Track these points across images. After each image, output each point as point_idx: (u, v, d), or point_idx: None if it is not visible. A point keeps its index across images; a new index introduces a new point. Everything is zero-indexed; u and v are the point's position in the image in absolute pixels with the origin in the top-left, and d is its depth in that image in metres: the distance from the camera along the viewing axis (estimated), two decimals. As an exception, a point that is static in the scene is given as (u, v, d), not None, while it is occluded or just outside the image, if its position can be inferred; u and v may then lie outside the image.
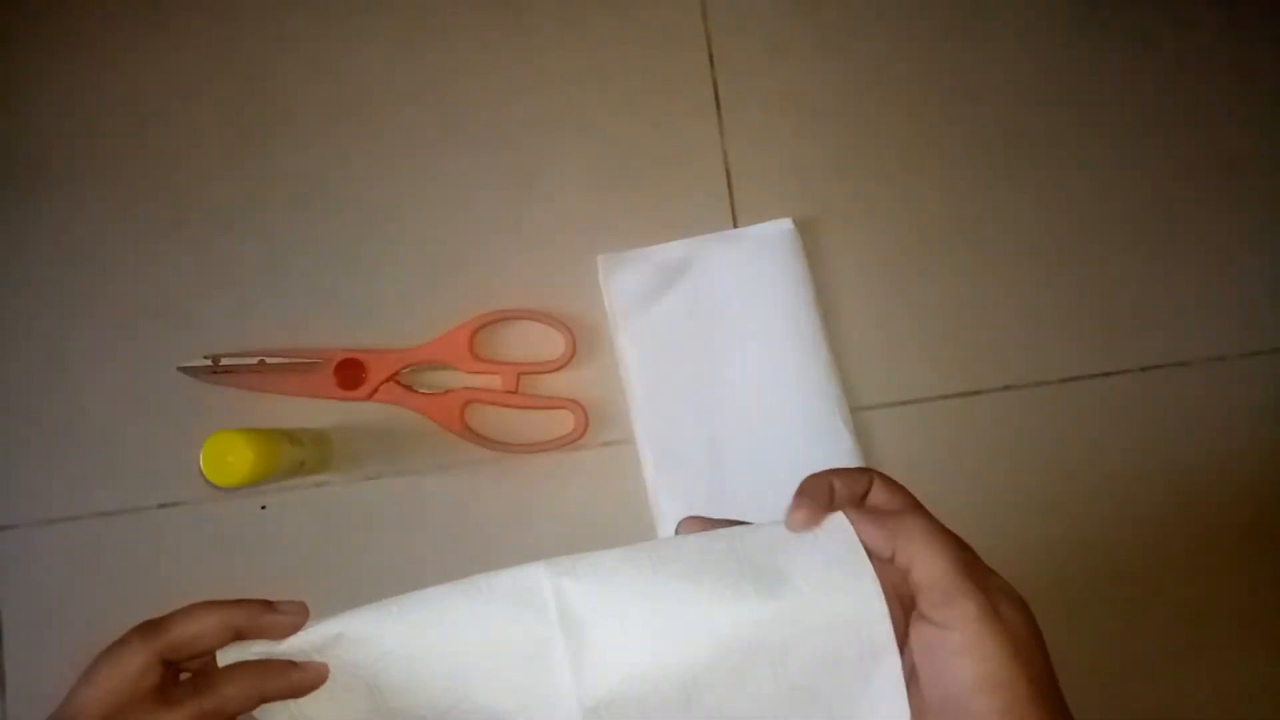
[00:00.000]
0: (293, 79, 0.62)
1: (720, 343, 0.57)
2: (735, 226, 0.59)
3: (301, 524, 0.57)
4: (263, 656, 0.33)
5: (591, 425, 0.57)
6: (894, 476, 0.56)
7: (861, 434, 0.56)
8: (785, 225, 0.58)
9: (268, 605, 0.34)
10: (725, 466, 0.56)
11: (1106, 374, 0.57)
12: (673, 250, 0.58)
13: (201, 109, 0.62)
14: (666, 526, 0.55)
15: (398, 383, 0.57)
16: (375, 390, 0.56)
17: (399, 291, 0.59)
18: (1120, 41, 0.60)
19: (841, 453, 0.55)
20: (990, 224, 0.59)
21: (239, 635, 0.33)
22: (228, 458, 0.47)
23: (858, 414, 0.57)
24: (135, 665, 0.32)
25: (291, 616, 0.34)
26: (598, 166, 0.60)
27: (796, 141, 0.60)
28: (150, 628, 0.33)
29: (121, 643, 0.32)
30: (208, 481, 0.48)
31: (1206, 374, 0.56)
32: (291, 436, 0.53)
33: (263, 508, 0.58)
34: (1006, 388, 0.57)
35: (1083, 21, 0.61)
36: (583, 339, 0.58)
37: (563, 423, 0.57)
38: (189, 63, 0.63)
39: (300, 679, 0.34)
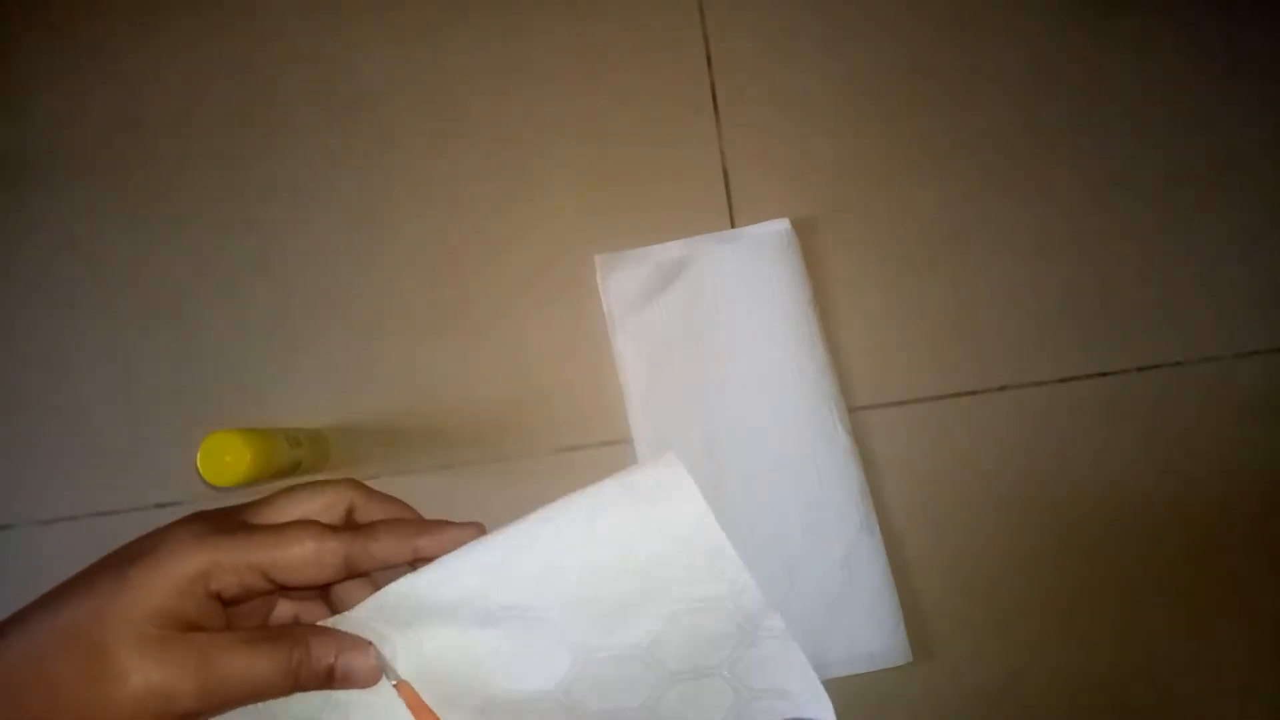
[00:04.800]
0: (291, 80, 0.62)
1: (717, 343, 0.57)
2: (733, 226, 0.59)
3: (299, 524, 0.57)
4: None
5: (590, 425, 0.57)
6: (890, 476, 0.56)
7: (858, 434, 0.56)
8: (783, 225, 0.58)
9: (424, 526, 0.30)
10: (723, 466, 0.56)
11: (1103, 374, 0.57)
12: (670, 250, 0.59)
13: (200, 110, 0.62)
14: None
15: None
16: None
17: (397, 291, 0.59)
18: (1118, 43, 0.60)
19: (838, 453, 0.55)
20: (987, 224, 0.59)
21: (351, 569, 0.29)
22: (225, 458, 0.47)
23: (854, 414, 0.57)
24: (204, 574, 0.27)
25: (437, 539, 0.30)
26: (596, 167, 0.60)
27: (794, 141, 0.60)
28: (245, 537, 0.28)
29: (198, 541, 0.27)
30: (205, 482, 0.47)
31: (1202, 374, 0.57)
32: (289, 437, 0.53)
33: (260, 508, 0.57)
34: (1003, 388, 0.57)
35: (1080, 22, 0.61)
36: (580, 339, 0.58)
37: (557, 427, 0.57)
38: (188, 64, 0.63)
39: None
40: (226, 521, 0.29)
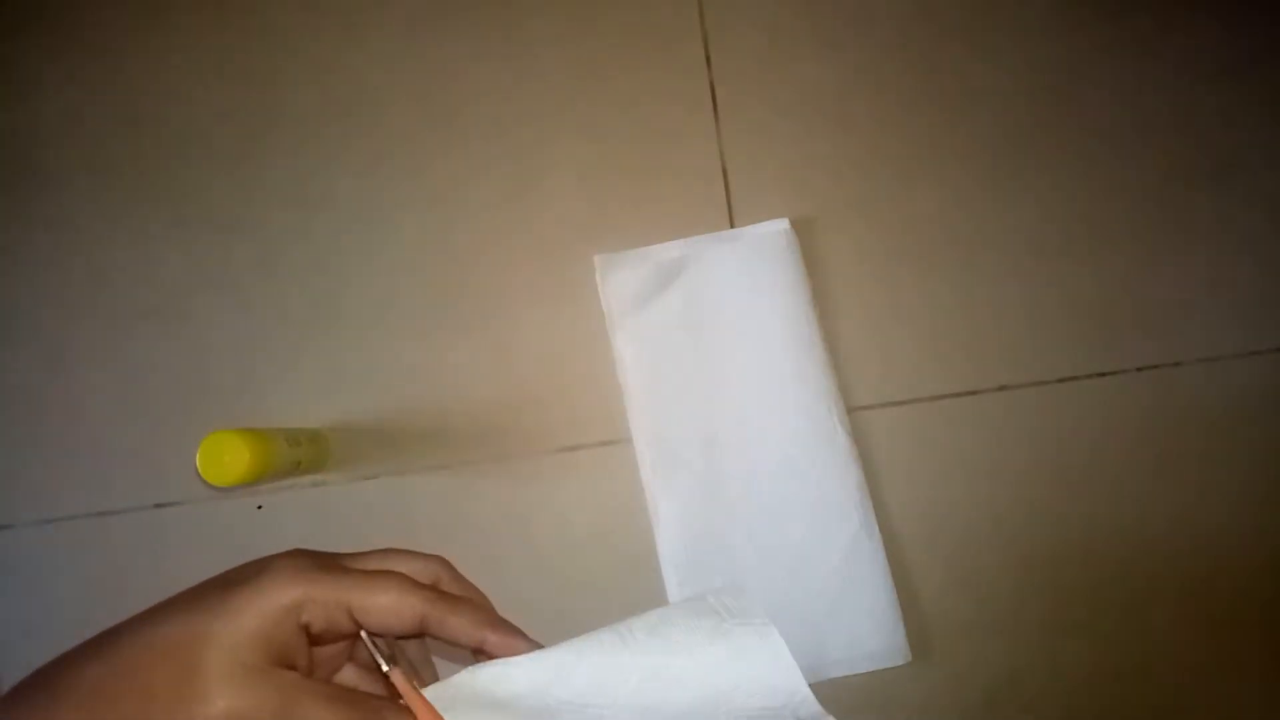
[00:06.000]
0: (290, 79, 0.62)
1: (717, 342, 0.57)
2: (732, 226, 0.59)
3: (298, 524, 0.57)
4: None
5: (590, 425, 0.57)
6: (890, 476, 0.56)
7: (858, 434, 0.56)
8: (782, 225, 0.58)
9: (482, 616, 0.31)
10: (722, 466, 0.56)
11: (1102, 374, 0.57)
12: (670, 250, 0.59)
13: (200, 110, 0.62)
14: (663, 525, 0.56)
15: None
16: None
17: (397, 291, 0.60)
18: (1118, 43, 0.60)
19: (837, 452, 0.55)
20: (986, 224, 0.59)
21: (424, 628, 0.31)
22: (224, 457, 0.47)
23: (854, 414, 0.57)
24: (299, 605, 0.29)
25: (505, 639, 0.31)
26: (595, 166, 0.60)
27: (793, 141, 0.60)
28: (339, 575, 0.30)
29: (297, 574, 0.29)
30: (204, 481, 0.47)
31: (1201, 374, 0.57)
32: (288, 436, 0.53)
33: (259, 508, 0.58)
34: (1002, 388, 0.57)
35: (1080, 23, 0.61)
36: (580, 339, 0.58)
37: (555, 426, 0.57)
38: (187, 63, 0.63)
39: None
40: (324, 560, 0.31)
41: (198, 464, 0.47)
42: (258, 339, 0.59)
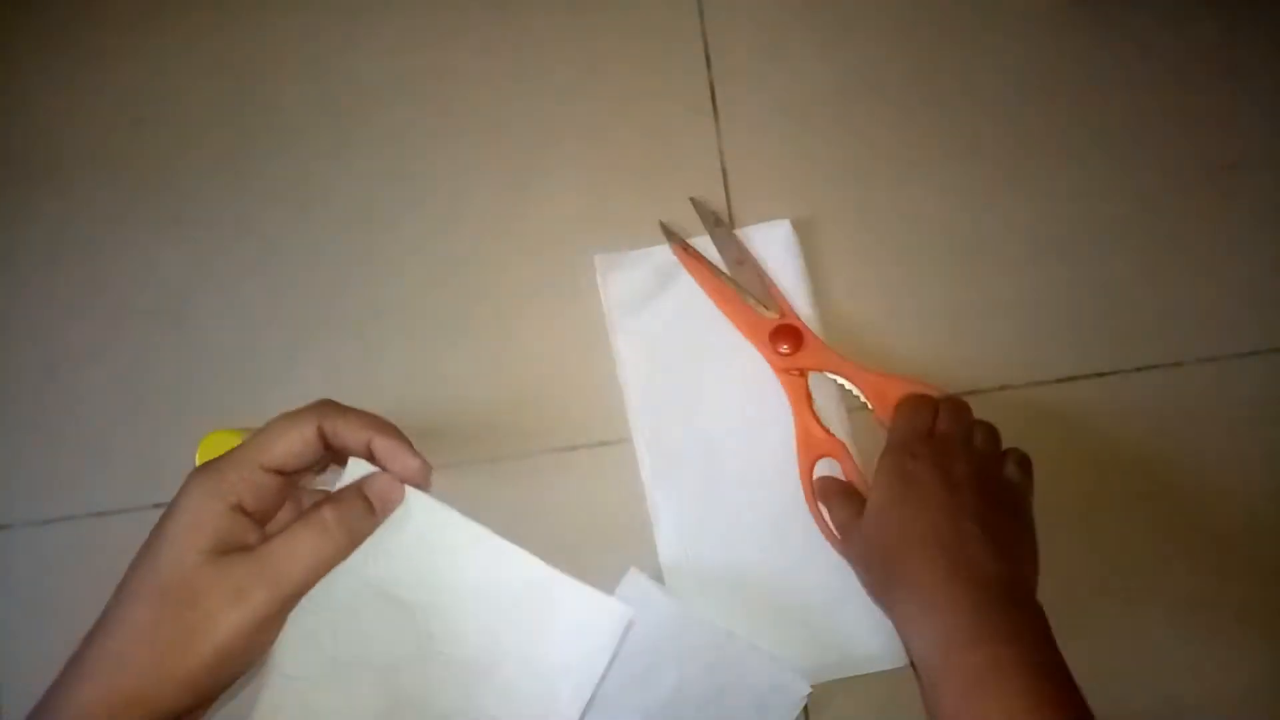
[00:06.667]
0: (289, 78, 0.62)
1: (717, 343, 0.57)
2: (732, 227, 0.59)
3: (298, 524, 0.57)
4: None
5: (589, 425, 0.57)
6: (890, 476, 0.56)
7: (858, 434, 0.56)
8: (783, 226, 0.58)
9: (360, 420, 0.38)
10: (721, 466, 0.56)
11: (1101, 374, 0.57)
12: (670, 250, 0.59)
13: (199, 108, 0.62)
14: (663, 526, 0.55)
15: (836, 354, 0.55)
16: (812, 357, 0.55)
17: (397, 291, 0.60)
18: (1117, 44, 0.61)
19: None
20: (986, 225, 0.59)
21: (324, 439, 0.36)
22: (224, 458, 0.47)
23: (854, 414, 0.57)
24: (218, 493, 0.34)
25: (389, 442, 0.38)
26: (595, 167, 0.60)
27: (794, 142, 0.60)
28: (236, 450, 0.35)
29: (201, 477, 0.34)
30: (204, 481, 0.47)
31: (1201, 374, 0.57)
32: (288, 436, 0.53)
33: (259, 508, 0.57)
34: (1003, 388, 0.57)
35: (1080, 23, 0.61)
36: (580, 339, 0.58)
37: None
38: (187, 62, 0.63)
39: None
40: (220, 455, 0.37)
41: (197, 464, 0.47)
42: (257, 339, 0.59)
